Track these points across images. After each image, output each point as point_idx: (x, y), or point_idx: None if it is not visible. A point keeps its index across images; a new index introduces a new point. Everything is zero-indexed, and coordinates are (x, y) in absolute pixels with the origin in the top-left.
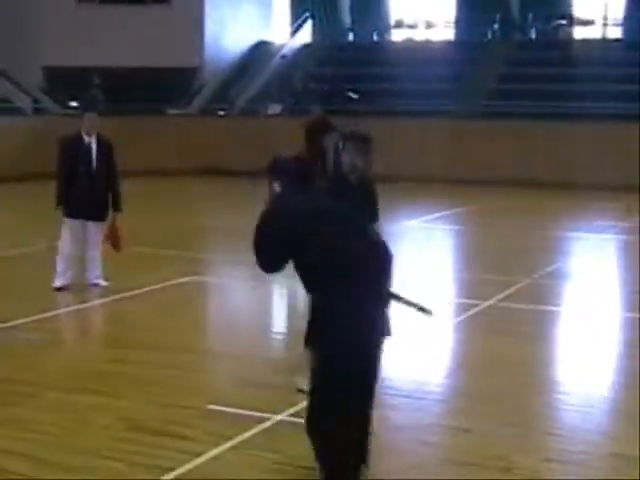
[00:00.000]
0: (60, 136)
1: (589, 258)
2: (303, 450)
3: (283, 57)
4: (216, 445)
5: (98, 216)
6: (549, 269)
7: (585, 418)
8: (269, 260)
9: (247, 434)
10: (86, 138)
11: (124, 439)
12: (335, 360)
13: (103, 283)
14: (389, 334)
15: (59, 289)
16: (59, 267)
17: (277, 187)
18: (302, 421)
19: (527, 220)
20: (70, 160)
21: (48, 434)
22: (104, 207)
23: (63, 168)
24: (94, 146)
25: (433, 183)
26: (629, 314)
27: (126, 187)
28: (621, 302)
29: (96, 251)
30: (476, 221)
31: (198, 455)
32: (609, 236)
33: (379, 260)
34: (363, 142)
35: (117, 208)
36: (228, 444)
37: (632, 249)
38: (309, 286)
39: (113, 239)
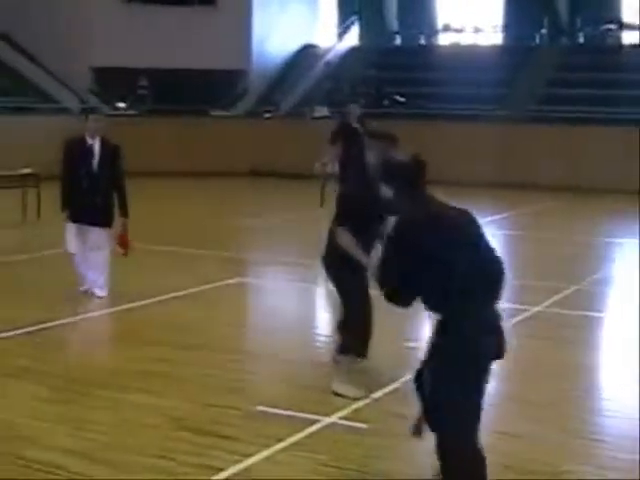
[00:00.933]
0: (65, 138)
1: (635, 264)
2: (353, 452)
3: (327, 64)
4: (266, 446)
5: (98, 221)
6: (597, 275)
7: (632, 425)
8: (407, 290)
9: (297, 436)
10: (89, 140)
11: (174, 438)
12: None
13: (99, 293)
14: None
15: (86, 291)
16: (81, 270)
17: (388, 192)
18: (351, 424)
19: (575, 225)
20: (72, 163)
21: (100, 432)
22: (105, 212)
23: (66, 171)
24: (97, 149)
25: (480, 188)
26: None
27: (171, 188)
28: None
29: (97, 257)
30: (525, 225)
31: (248, 456)
32: None
33: (500, 276)
34: (389, 141)
35: (122, 213)
36: (278, 446)
37: None
38: (435, 305)
39: (121, 245)
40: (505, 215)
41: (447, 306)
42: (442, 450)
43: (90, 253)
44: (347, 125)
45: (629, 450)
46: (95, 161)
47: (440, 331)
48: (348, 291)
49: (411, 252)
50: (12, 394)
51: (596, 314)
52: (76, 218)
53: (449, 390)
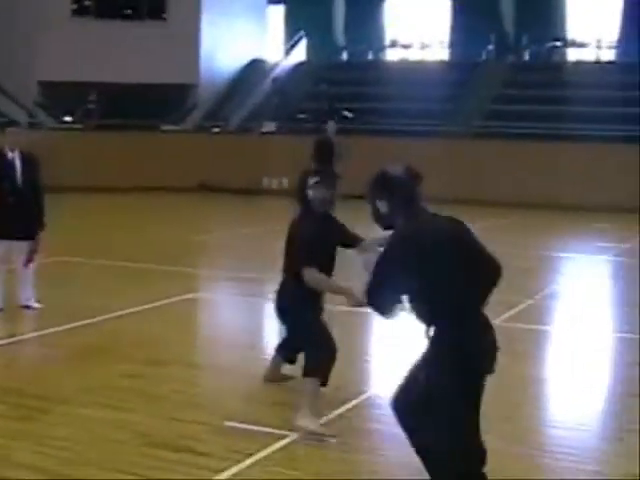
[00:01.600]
0: None
1: (588, 279)
2: (323, 467)
3: (274, 80)
4: (236, 462)
5: (26, 235)
6: (549, 290)
7: (590, 436)
8: (391, 298)
9: (267, 451)
10: (9, 154)
11: (142, 454)
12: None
13: (35, 305)
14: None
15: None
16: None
17: (383, 207)
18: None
19: (525, 240)
20: None
21: (62, 449)
22: (32, 225)
23: None
24: (18, 162)
25: (427, 203)
26: (626, 335)
27: (119, 203)
28: (618, 322)
29: (27, 270)
30: None
31: (219, 472)
32: (609, 257)
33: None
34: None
35: (40, 226)
36: (248, 461)
37: (631, 271)
38: (430, 318)
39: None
40: None
41: (445, 317)
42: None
43: (22, 268)
44: (328, 140)
45: (588, 462)
46: (18, 174)
47: (437, 342)
48: (310, 324)
49: (408, 265)
50: None
51: (547, 327)
52: (4, 234)
53: (451, 404)
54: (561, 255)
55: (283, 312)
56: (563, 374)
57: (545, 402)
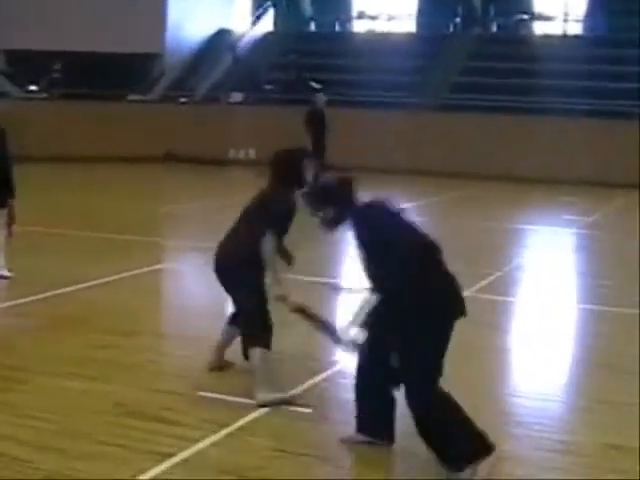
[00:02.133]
0: None
1: (554, 252)
2: (301, 436)
3: (232, 49)
4: (213, 431)
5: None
6: (517, 262)
7: (557, 406)
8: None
9: (242, 421)
10: None
11: (120, 424)
12: None
13: (6, 273)
14: None
15: None
16: None
17: (330, 213)
18: (294, 408)
19: (491, 213)
20: None
21: (41, 419)
22: (3, 194)
23: None
24: None
25: (394, 175)
26: (591, 306)
27: (85, 173)
28: (583, 294)
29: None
30: (442, 213)
31: (196, 441)
32: (574, 230)
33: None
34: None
35: (11, 194)
36: (225, 431)
37: (595, 243)
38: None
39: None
40: (420, 203)
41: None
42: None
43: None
44: (319, 111)
45: (556, 431)
46: None
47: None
48: (252, 289)
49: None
50: None
51: (514, 299)
52: None
53: (421, 343)
54: (528, 228)
55: (228, 273)
56: (529, 345)
57: (512, 372)
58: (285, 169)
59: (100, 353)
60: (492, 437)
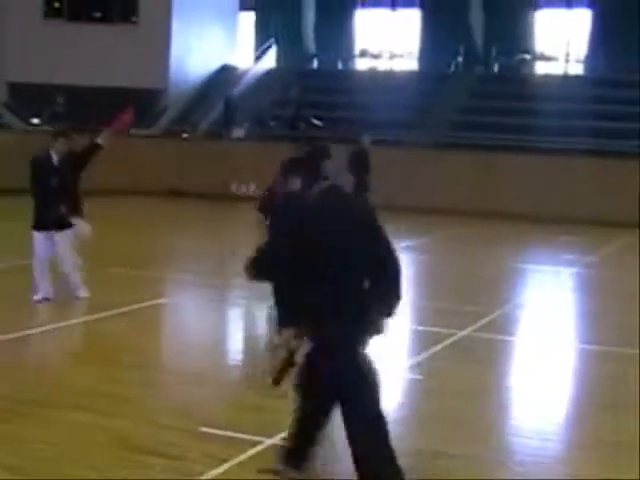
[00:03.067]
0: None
1: (553, 291)
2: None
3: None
4: (211, 467)
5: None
6: (516, 301)
7: (543, 445)
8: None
9: (241, 457)
10: (54, 157)
11: (119, 457)
12: None
13: (83, 293)
14: None
15: (39, 301)
16: (43, 279)
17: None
18: None
19: (491, 251)
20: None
21: (41, 451)
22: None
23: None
24: (59, 164)
25: (392, 211)
26: (591, 346)
27: (90, 207)
28: (586, 334)
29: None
30: (441, 251)
31: (194, 476)
32: (574, 270)
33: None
34: None
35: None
36: (224, 466)
37: (595, 283)
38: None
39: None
40: (423, 240)
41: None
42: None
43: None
44: (364, 152)
45: (557, 469)
46: (57, 174)
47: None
48: None
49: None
50: None
51: (514, 338)
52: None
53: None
54: (528, 267)
55: None
56: (530, 384)
57: (512, 411)
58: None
59: (104, 386)
60: (495, 475)
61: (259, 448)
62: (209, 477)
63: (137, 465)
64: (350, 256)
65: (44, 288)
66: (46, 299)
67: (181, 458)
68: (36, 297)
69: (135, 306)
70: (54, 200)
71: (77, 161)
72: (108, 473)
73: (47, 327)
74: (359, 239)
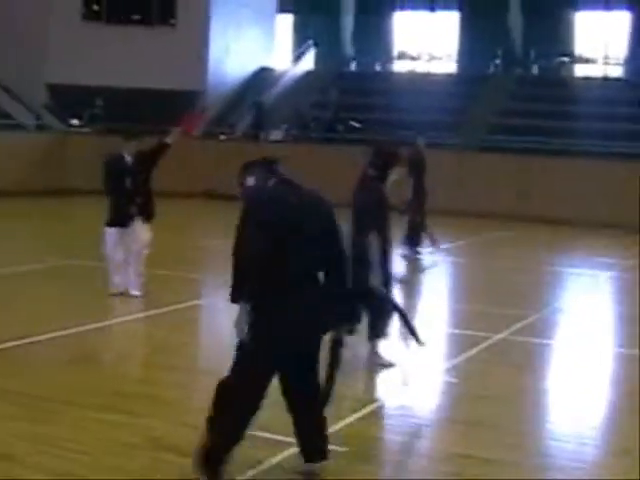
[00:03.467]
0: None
1: (591, 294)
2: (335, 475)
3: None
4: (246, 468)
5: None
6: (555, 304)
7: (581, 450)
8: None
9: (277, 458)
10: (128, 159)
11: (154, 459)
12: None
13: (137, 293)
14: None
15: (115, 295)
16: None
17: (251, 181)
18: (330, 447)
19: (530, 254)
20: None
21: (76, 452)
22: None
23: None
24: (132, 165)
25: (431, 214)
26: (629, 350)
27: None
28: (622, 338)
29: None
30: (480, 254)
31: (231, 477)
32: (612, 273)
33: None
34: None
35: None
36: (259, 468)
37: (634, 287)
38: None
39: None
40: (460, 243)
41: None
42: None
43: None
44: (420, 155)
45: (595, 475)
46: (132, 175)
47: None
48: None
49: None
50: None
51: (551, 341)
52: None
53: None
54: (566, 270)
55: None
56: (566, 387)
57: (549, 414)
58: None
59: (137, 387)
60: None
61: (294, 449)
62: (244, 478)
63: (170, 466)
64: (306, 247)
65: (116, 282)
66: (120, 293)
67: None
68: (111, 291)
69: (170, 307)
70: (127, 199)
71: (147, 161)
72: (142, 475)
73: (81, 328)
74: (317, 230)
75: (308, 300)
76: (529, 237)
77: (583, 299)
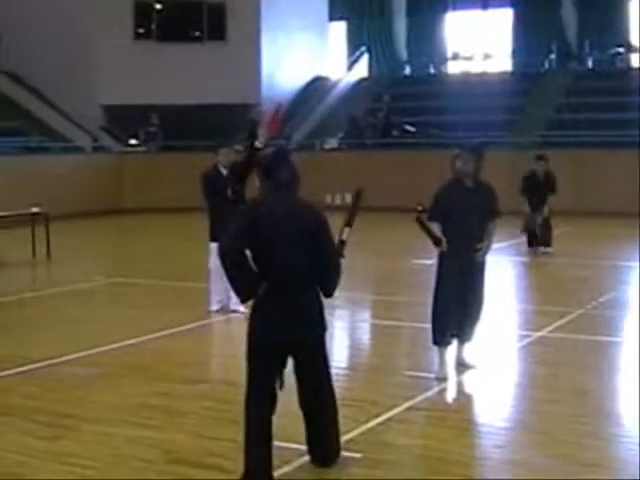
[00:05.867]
0: (202, 171)
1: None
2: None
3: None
4: None
5: None
6: (603, 299)
7: (634, 450)
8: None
9: (291, 466)
10: (223, 171)
11: (168, 472)
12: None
13: (241, 308)
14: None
15: (217, 311)
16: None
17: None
18: (345, 454)
19: (584, 249)
20: (211, 191)
21: (89, 468)
22: None
23: (207, 198)
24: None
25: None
26: None
27: (187, 222)
28: None
29: None
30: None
31: None
32: None
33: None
34: (472, 152)
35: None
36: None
37: None
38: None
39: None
40: (515, 240)
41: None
42: None
43: None
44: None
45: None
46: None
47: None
48: None
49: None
50: (4, 431)
51: (596, 337)
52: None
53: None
54: (619, 264)
55: None
56: (611, 386)
57: (592, 414)
58: None
59: (157, 401)
60: None
61: (306, 458)
62: None
63: (182, 478)
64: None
65: (218, 299)
66: (222, 309)
67: (233, 471)
68: (212, 308)
69: (202, 322)
70: (227, 212)
71: (242, 170)
72: None
73: (113, 346)
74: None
75: (295, 300)
76: (585, 231)
77: (631, 293)
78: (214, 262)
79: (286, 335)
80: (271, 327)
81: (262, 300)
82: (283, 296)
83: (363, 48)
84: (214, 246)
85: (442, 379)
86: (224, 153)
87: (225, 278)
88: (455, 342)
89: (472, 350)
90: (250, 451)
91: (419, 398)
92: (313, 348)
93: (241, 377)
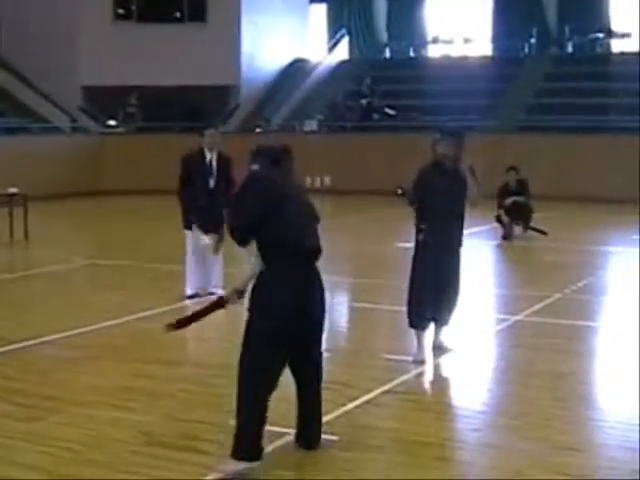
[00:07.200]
0: (183, 153)
1: (621, 272)
2: (324, 466)
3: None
4: None
5: (215, 230)
6: (581, 284)
7: (610, 434)
8: (244, 226)
9: (269, 448)
10: (208, 154)
11: (144, 453)
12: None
13: (220, 292)
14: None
15: (190, 297)
16: (193, 275)
17: (255, 167)
18: (325, 436)
19: (563, 234)
20: (191, 176)
21: (67, 449)
22: (220, 220)
23: (183, 184)
24: (214, 162)
25: None
26: None
27: (164, 204)
28: None
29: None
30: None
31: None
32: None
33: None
34: (452, 136)
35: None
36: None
37: None
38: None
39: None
40: (492, 226)
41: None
42: None
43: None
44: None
45: (605, 459)
46: (214, 173)
47: (257, 280)
48: None
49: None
50: None
51: (573, 322)
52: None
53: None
54: (598, 249)
55: None
56: (588, 370)
57: (569, 398)
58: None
59: (135, 382)
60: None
61: (284, 440)
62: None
63: (159, 460)
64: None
65: (193, 284)
66: (197, 295)
67: (206, 452)
68: (187, 292)
69: (183, 303)
70: (205, 200)
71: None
72: (134, 470)
73: (92, 327)
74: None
75: (306, 276)
76: (564, 217)
77: (611, 277)
78: (191, 249)
79: (316, 313)
80: (303, 299)
81: (284, 272)
82: (309, 270)
83: (343, 30)
84: (189, 234)
85: (419, 362)
86: (210, 134)
87: (202, 264)
88: (432, 326)
89: (449, 333)
90: (247, 411)
91: (396, 381)
92: (321, 328)
93: (218, 359)
